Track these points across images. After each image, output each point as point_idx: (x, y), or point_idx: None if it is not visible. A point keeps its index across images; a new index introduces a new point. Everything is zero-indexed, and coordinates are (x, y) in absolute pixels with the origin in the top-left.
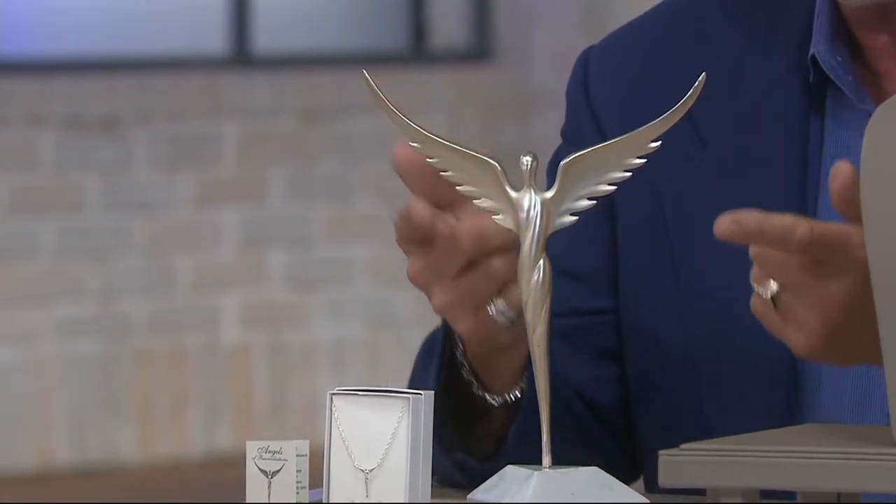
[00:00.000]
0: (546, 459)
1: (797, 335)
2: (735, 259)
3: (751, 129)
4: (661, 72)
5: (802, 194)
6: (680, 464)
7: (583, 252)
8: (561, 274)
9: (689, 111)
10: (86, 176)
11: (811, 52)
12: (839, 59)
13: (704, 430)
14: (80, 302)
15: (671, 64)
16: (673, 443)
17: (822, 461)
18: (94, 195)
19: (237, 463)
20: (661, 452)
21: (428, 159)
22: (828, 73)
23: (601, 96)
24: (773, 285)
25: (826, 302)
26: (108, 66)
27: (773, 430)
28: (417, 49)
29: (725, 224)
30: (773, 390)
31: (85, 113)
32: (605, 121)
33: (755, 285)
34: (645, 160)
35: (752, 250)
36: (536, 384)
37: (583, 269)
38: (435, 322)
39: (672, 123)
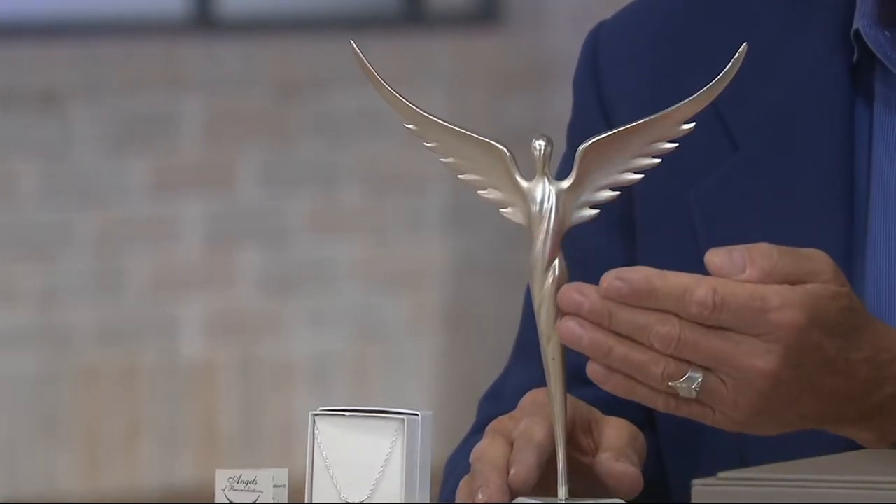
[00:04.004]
0: (562, 491)
1: (726, 419)
2: None
3: (788, 124)
4: (682, 53)
5: (850, 196)
6: (715, 494)
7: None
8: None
9: (717, 105)
10: (20, 160)
11: (854, 27)
12: (887, 34)
13: (738, 457)
14: (13, 309)
15: (692, 43)
16: (705, 467)
17: (870, 492)
18: (31, 183)
19: (200, 498)
20: (694, 482)
21: (425, 144)
22: (874, 50)
23: (613, 84)
24: (697, 377)
25: (755, 380)
26: (47, 31)
27: (816, 458)
28: (413, 12)
29: (608, 281)
30: None
31: (19, 86)
32: (617, 112)
33: (670, 383)
34: (676, 145)
35: (662, 331)
36: (552, 403)
37: None
38: (429, 330)
39: (708, 102)
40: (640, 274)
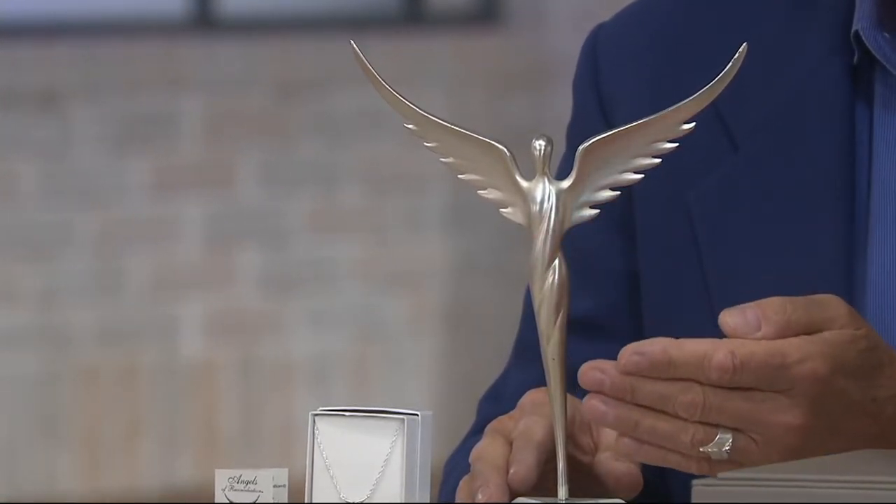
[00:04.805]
0: (562, 491)
1: None
2: (774, 275)
3: (789, 125)
4: (682, 53)
5: (850, 197)
6: (715, 494)
7: (594, 289)
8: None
9: (717, 105)
10: (20, 160)
11: (854, 28)
12: (887, 35)
13: None
14: (13, 309)
15: (692, 43)
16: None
17: (870, 492)
18: (31, 183)
19: (200, 498)
20: (694, 482)
21: (425, 144)
22: (873, 52)
23: (612, 84)
24: (727, 438)
25: (785, 435)
26: (47, 31)
27: (816, 458)
28: (413, 12)
29: (626, 357)
30: None
31: (19, 86)
32: (616, 112)
33: (701, 448)
34: (676, 145)
35: (686, 399)
36: (551, 404)
37: (595, 313)
38: (429, 330)
39: (708, 102)
40: (657, 346)
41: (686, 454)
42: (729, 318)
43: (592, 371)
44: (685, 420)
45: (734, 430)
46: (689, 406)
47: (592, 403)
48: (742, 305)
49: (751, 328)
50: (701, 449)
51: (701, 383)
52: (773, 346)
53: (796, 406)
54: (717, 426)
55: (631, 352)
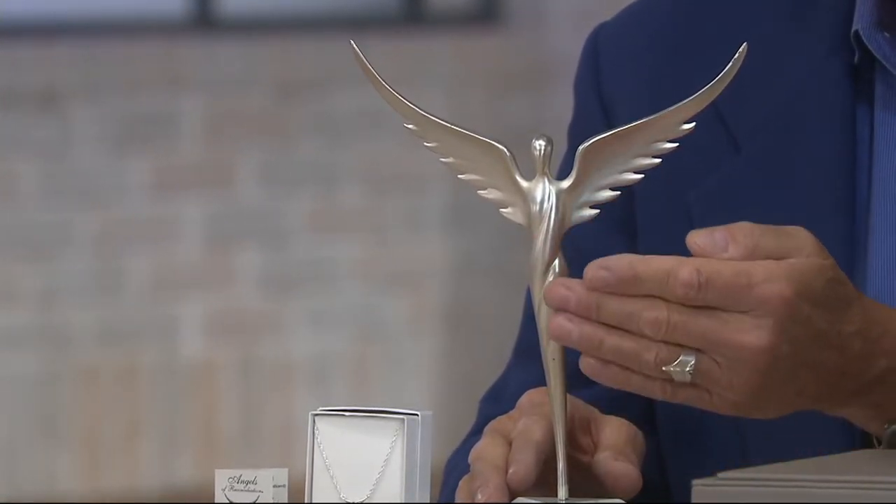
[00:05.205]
0: (562, 491)
1: (724, 401)
2: None
3: (789, 125)
4: (681, 54)
5: (851, 197)
6: (715, 494)
7: None
8: None
9: (718, 106)
10: (20, 160)
11: (854, 28)
12: (887, 35)
13: (739, 456)
14: (12, 309)
15: (692, 43)
16: (706, 466)
17: (870, 492)
18: (31, 183)
19: (200, 498)
20: (694, 482)
21: (426, 144)
22: (873, 52)
23: (613, 84)
24: (689, 359)
25: (748, 358)
26: (47, 31)
27: (816, 458)
28: (413, 12)
29: (592, 272)
30: None
31: (19, 86)
32: (617, 112)
33: (664, 368)
34: (676, 145)
35: (650, 316)
36: (551, 404)
37: None
38: (429, 330)
39: (708, 102)
40: (623, 261)
41: (649, 375)
42: (697, 237)
43: (558, 288)
44: (650, 339)
45: (698, 351)
46: (653, 323)
47: (558, 322)
48: (711, 227)
49: (718, 248)
50: (664, 368)
51: (666, 301)
52: (740, 265)
53: (761, 327)
54: (681, 347)
55: (597, 266)
